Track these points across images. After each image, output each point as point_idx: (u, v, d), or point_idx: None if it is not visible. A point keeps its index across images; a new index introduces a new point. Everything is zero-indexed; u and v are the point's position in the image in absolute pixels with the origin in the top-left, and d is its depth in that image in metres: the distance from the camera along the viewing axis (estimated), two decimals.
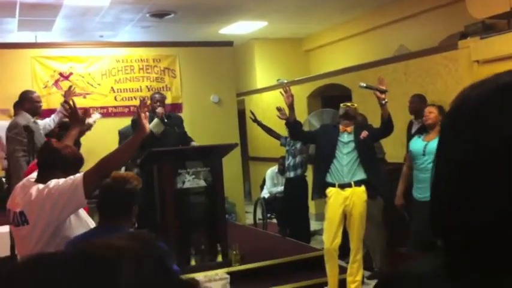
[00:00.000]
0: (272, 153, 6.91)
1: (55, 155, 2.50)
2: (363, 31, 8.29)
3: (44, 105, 5.89)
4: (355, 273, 4.54)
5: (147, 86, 7.62)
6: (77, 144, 4.72)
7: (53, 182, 2.37)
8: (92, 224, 2.57)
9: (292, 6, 7.36)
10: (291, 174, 6.51)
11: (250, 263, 4.85)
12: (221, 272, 4.59)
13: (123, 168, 4.84)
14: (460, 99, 0.66)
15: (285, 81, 7.25)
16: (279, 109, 5.07)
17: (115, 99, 7.48)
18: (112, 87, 7.48)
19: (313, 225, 7.26)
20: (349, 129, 4.57)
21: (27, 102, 5.06)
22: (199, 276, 4.47)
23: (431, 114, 4.52)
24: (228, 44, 8.27)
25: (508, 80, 0.63)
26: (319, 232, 6.83)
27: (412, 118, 5.91)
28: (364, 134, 4.53)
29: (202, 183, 4.84)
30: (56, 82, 7.22)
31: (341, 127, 4.59)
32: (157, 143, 5.23)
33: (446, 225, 0.64)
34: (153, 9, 7.01)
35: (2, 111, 6.53)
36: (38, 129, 4.94)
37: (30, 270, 0.55)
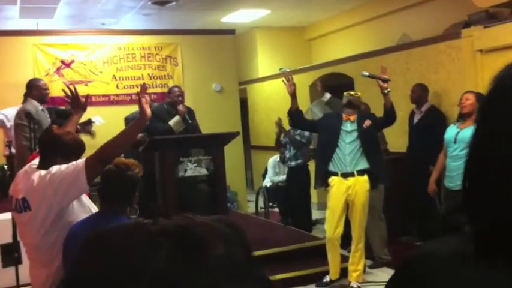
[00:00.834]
0: (274, 142, 6.90)
1: (56, 141, 2.50)
2: (365, 20, 8.24)
3: None
4: (357, 262, 4.55)
5: (148, 74, 7.60)
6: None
7: (54, 168, 2.37)
8: (95, 209, 2.57)
9: None
10: (292, 164, 6.51)
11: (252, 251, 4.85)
12: None
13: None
14: (498, 80, 0.65)
15: (288, 69, 7.21)
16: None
17: (117, 87, 7.47)
18: (114, 75, 7.47)
19: (315, 214, 7.27)
20: (352, 118, 4.55)
21: (34, 90, 5.11)
22: None
23: (467, 101, 4.38)
24: (230, 32, 8.24)
25: None
26: (320, 221, 6.85)
27: (413, 108, 5.89)
28: (367, 123, 4.51)
29: (204, 171, 4.84)
30: (58, 70, 7.20)
31: (344, 116, 4.57)
32: None
33: (476, 211, 0.64)
34: None
35: None
36: (45, 117, 4.97)
37: (122, 235, 0.56)
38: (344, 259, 4.69)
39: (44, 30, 7.47)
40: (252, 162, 9.85)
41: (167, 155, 4.77)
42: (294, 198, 6.50)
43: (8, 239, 4.13)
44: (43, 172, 2.39)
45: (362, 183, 4.47)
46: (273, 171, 7.27)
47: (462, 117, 4.47)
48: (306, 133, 6.35)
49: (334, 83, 7.91)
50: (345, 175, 4.47)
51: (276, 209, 7.40)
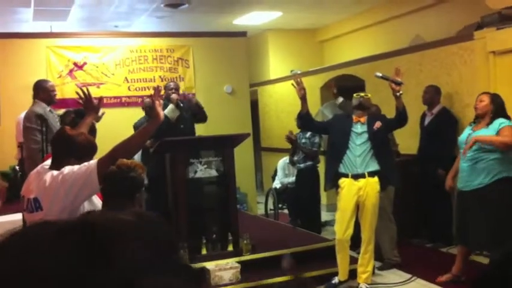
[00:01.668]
0: (284, 144, 6.90)
1: (69, 142, 2.53)
2: (378, 21, 8.22)
3: (58, 95, 5.91)
4: (366, 264, 4.54)
5: (160, 76, 7.64)
6: (93, 131, 4.79)
7: (67, 169, 2.40)
8: None
9: None
10: (301, 165, 6.52)
11: (261, 253, 4.87)
12: (232, 261, 4.61)
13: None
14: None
15: (299, 71, 7.21)
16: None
17: (128, 89, 7.52)
18: (126, 77, 7.52)
19: (324, 216, 7.26)
20: (362, 119, 4.54)
21: (41, 92, 5.09)
22: (211, 265, 4.50)
23: (481, 103, 4.31)
24: (241, 34, 8.26)
25: None
26: (330, 223, 6.84)
27: (425, 109, 5.86)
28: (378, 124, 4.50)
29: (214, 173, 4.86)
30: (70, 72, 7.27)
31: (354, 117, 4.56)
32: (173, 128, 5.26)
33: None
34: None
35: None
36: (54, 118, 4.97)
37: (24, 236, 0.55)
38: (353, 260, 4.68)
39: (57, 33, 7.55)
40: (262, 164, 9.86)
41: (177, 156, 4.80)
42: (303, 200, 6.50)
43: None
44: (55, 172, 2.43)
45: (373, 184, 4.46)
46: (283, 172, 7.28)
47: (477, 119, 4.43)
48: (316, 140, 6.36)
49: (347, 85, 7.89)
50: (356, 177, 4.46)
51: (286, 211, 7.40)
